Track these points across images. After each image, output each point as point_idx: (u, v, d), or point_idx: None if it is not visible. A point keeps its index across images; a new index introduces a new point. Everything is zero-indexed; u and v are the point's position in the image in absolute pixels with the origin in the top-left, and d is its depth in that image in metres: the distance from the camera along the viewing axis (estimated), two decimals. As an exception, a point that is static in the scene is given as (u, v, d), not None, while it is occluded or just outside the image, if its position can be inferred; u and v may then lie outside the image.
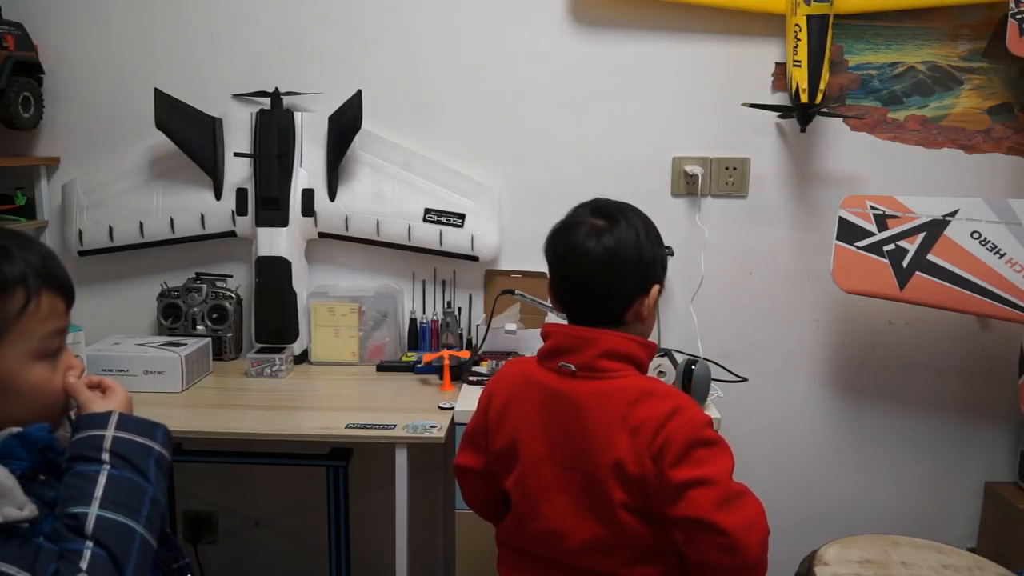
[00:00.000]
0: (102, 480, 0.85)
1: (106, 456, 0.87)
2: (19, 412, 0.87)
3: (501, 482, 1.28)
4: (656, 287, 1.22)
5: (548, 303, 1.92)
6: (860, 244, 1.90)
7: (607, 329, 1.19)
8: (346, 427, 1.66)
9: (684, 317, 2.13)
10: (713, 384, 1.76)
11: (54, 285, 0.89)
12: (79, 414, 0.92)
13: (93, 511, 0.83)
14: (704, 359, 1.78)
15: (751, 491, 1.13)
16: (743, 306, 2.20)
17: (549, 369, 1.22)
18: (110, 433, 0.88)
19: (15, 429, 0.86)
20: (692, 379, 1.69)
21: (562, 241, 1.23)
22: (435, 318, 2.17)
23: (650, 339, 1.25)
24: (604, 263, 1.18)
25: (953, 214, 1.85)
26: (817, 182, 2.14)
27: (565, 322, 1.26)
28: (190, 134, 2.02)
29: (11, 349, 0.85)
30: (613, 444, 1.14)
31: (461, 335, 2.16)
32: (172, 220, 2.09)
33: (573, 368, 1.18)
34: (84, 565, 0.80)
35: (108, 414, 0.90)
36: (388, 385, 1.98)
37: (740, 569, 1.10)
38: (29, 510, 0.81)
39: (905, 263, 1.87)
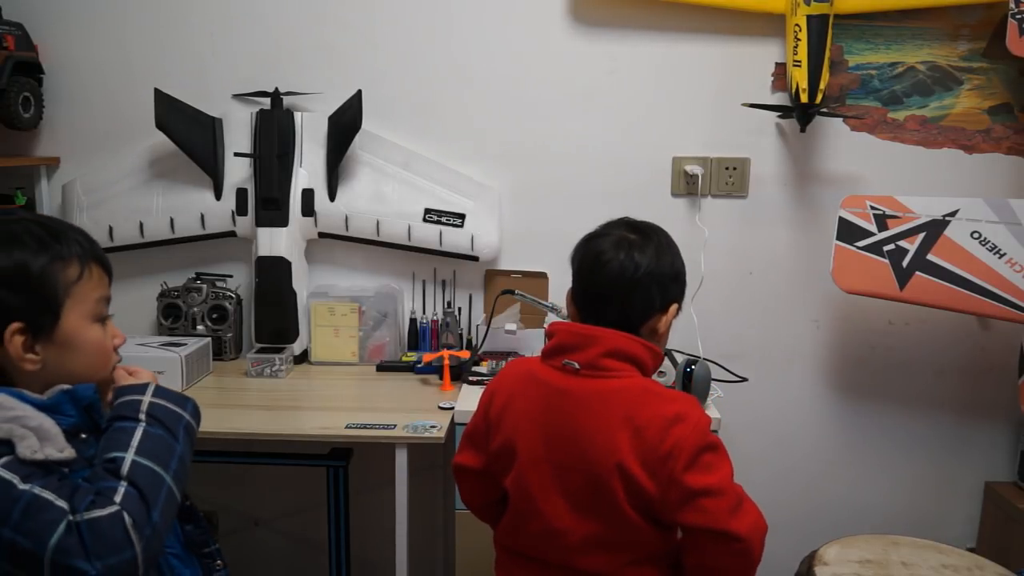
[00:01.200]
0: (138, 434, 0.97)
1: (143, 416, 0.99)
2: (80, 367, 1.02)
3: (500, 481, 1.28)
4: (675, 306, 1.24)
5: (548, 303, 1.92)
6: (860, 244, 1.90)
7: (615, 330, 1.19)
8: (346, 427, 1.66)
9: (684, 317, 2.10)
10: (713, 384, 1.76)
11: (99, 260, 1.04)
12: (117, 387, 1.05)
13: (129, 456, 0.94)
14: (704, 359, 1.78)
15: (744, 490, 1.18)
16: (743, 306, 2.20)
17: (553, 367, 1.22)
18: (147, 399, 1.02)
19: (65, 386, 0.98)
20: (692, 379, 1.69)
21: (589, 249, 1.24)
22: (435, 318, 2.17)
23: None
24: (629, 273, 1.19)
25: (953, 214, 1.85)
26: (817, 182, 2.14)
27: None
28: (190, 134, 2.02)
29: (73, 310, 1.00)
30: (615, 444, 1.14)
31: (461, 335, 2.16)
32: (172, 220, 2.09)
33: (577, 366, 1.18)
34: (118, 499, 0.90)
35: (146, 384, 1.04)
36: (388, 385, 1.98)
37: (749, 568, 1.16)
38: (68, 453, 0.92)
39: (905, 263, 1.87)
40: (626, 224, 1.26)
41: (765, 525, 1.16)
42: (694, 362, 1.72)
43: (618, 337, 1.18)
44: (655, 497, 1.13)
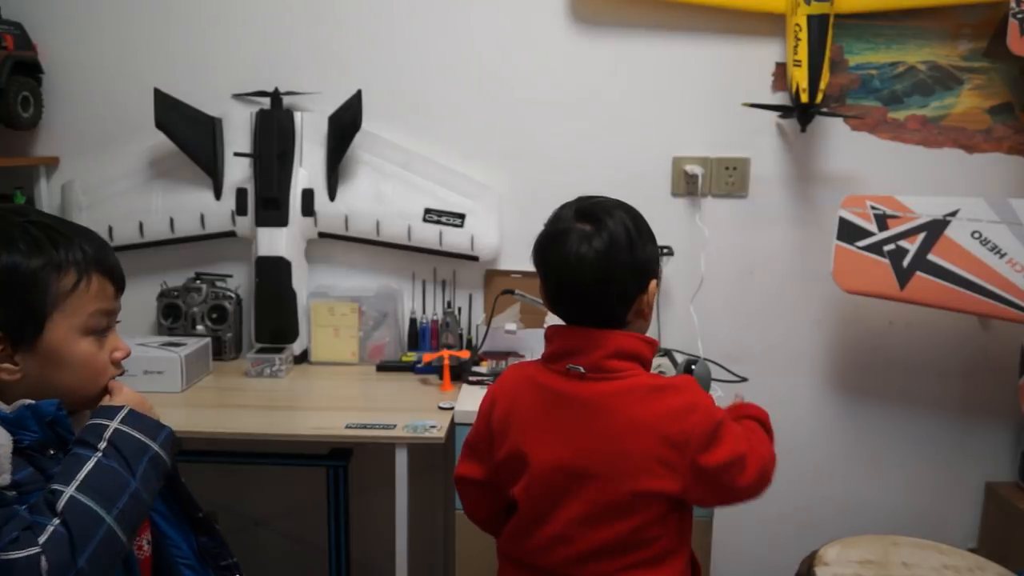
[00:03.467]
0: (89, 465, 0.89)
1: (103, 445, 0.91)
2: (68, 382, 0.96)
3: (507, 490, 1.24)
4: (653, 282, 1.21)
5: (548, 303, 1.92)
6: (860, 244, 1.90)
7: (611, 329, 1.18)
8: (346, 427, 1.66)
9: (684, 317, 2.12)
10: (713, 384, 1.76)
11: (105, 271, 1.01)
12: (96, 408, 0.98)
13: (69, 491, 0.86)
14: (704, 359, 1.78)
15: (744, 436, 1.20)
16: (743, 306, 2.20)
17: (554, 372, 1.20)
18: (113, 424, 0.94)
19: (28, 401, 0.92)
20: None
21: (552, 251, 1.19)
22: (435, 318, 2.17)
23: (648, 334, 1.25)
24: (600, 269, 1.15)
25: (953, 214, 1.85)
26: (817, 182, 2.14)
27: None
28: (190, 134, 2.02)
29: (62, 322, 0.95)
30: (629, 444, 1.13)
31: (461, 335, 2.15)
32: (172, 220, 2.09)
33: (582, 370, 1.16)
34: (41, 540, 0.82)
35: (119, 408, 0.96)
36: (388, 385, 1.97)
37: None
38: (3, 480, 0.85)
39: (906, 263, 1.87)
40: (578, 213, 1.19)
41: (770, 473, 1.20)
42: (694, 362, 1.71)
43: (620, 337, 1.17)
44: (675, 488, 1.13)
